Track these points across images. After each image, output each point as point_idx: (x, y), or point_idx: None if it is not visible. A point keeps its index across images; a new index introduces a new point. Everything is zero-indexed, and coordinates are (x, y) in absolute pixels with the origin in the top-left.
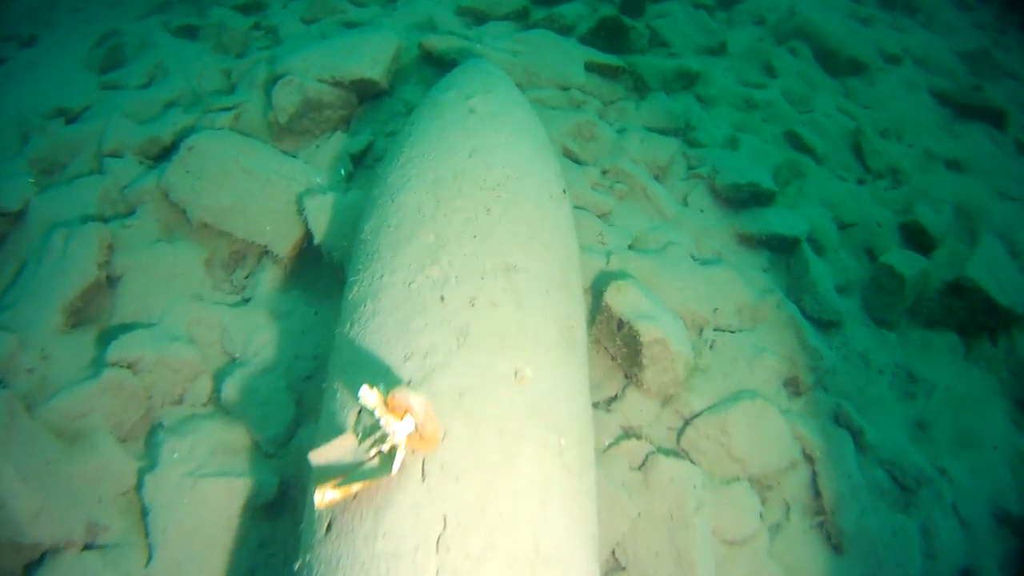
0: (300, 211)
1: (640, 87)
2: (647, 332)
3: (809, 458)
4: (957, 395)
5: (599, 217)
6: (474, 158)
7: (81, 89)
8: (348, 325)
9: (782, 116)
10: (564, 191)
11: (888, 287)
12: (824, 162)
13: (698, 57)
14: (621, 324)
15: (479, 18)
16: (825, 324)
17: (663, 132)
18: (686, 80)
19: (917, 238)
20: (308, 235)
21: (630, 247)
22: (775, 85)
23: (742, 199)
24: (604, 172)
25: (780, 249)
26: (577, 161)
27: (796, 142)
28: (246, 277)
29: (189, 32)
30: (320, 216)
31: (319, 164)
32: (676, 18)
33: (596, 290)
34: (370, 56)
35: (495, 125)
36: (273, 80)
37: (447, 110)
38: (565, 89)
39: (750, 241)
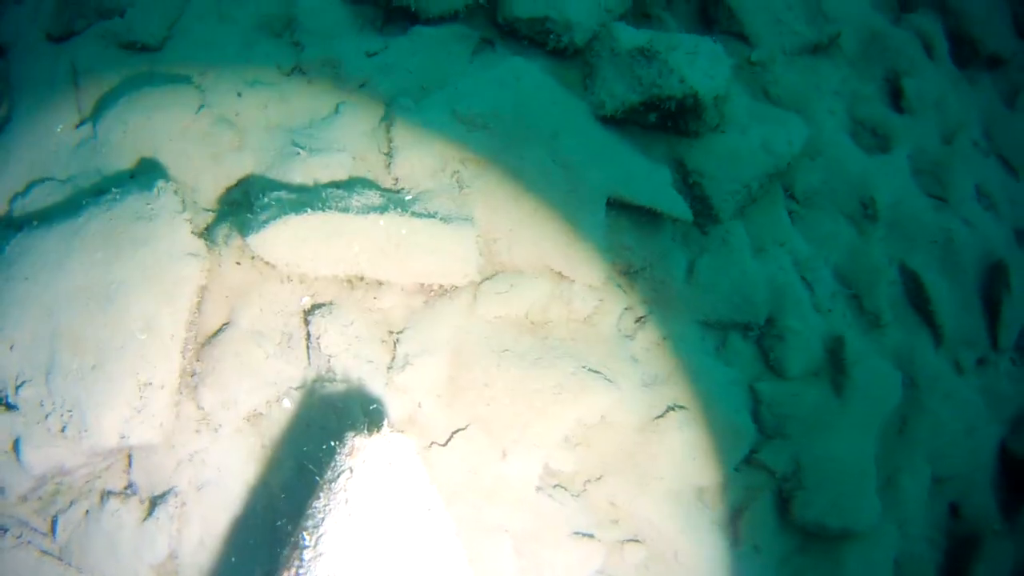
0: None
1: (704, 214)
2: None
3: None
4: None
5: None
6: None
7: None
8: None
9: (905, 226)
10: None
11: None
12: (944, 342)
13: (796, 63)
14: None
15: (399, 16)
16: None
17: (722, 336)
18: (777, 178)
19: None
20: None
21: None
22: (902, 134)
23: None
24: (614, 522)
25: None
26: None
27: (916, 294)
28: None
29: None
30: None
31: None
32: None
33: None
34: None
35: None
36: None
37: None
38: (563, 279)
39: None
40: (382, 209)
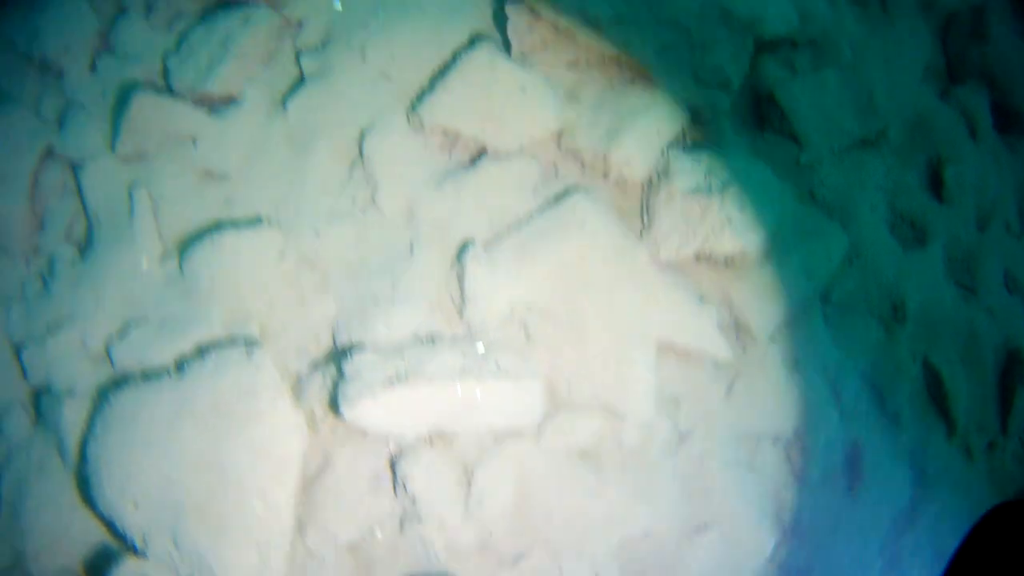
0: None
1: (745, 338)
2: None
3: None
4: None
5: None
6: None
7: None
8: None
9: (932, 323)
10: None
11: None
12: (957, 432)
13: (843, 159)
14: None
15: (468, 148)
16: None
17: (753, 446)
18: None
19: None
20: None
21: None
22: (939, 226)
23: None
24: None
25: None
26: None
27: (935, 389)
28: None
29: None
30: None
31: None
32: (824, 81)
33: None
34: None
35: None
36: None
37: None
38: (615, 416)
39: None
40: (459, 373)
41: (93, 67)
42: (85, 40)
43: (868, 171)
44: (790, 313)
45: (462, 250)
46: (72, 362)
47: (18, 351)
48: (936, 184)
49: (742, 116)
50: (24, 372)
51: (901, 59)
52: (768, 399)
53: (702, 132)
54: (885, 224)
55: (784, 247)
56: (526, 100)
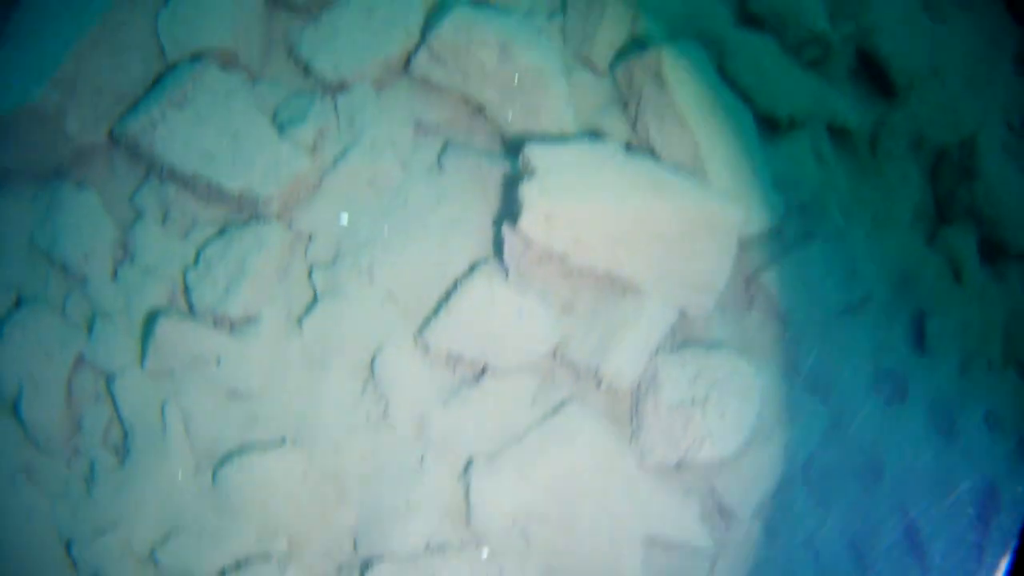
0: None
1: (727, 520)
2: None
3: None
4: None
5: None
6: None
7: None
8: None
9: (909, 477)
10: None
11: None
12: (933, 570)
13: (828, 329)
14: None
15: (469, 369)
16: None
17: None
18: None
19: None
20: None
21: None
22: (920, 380)
23: None
24: None
25: None
26: None
27: (912, 540)
28: None
29: None
30: None
31: None
32: (810, 257)
33: None
34: None
35: None
36: None
37: None
38: None
39: None
40: None
41: (115, 275)
42: (104, 247)
43: (852, 336)
44: (771, 491)
45: (467, 466)
46: (120, 562)
47: (67, 545)
48: (919, 336)
49: (729, 301)
50: (74, 563)
51: (890, 205)
52: (749, 570)
53: (690, 328)
54: (868, 384)
55: (766, 435)
56: (523, 323)
